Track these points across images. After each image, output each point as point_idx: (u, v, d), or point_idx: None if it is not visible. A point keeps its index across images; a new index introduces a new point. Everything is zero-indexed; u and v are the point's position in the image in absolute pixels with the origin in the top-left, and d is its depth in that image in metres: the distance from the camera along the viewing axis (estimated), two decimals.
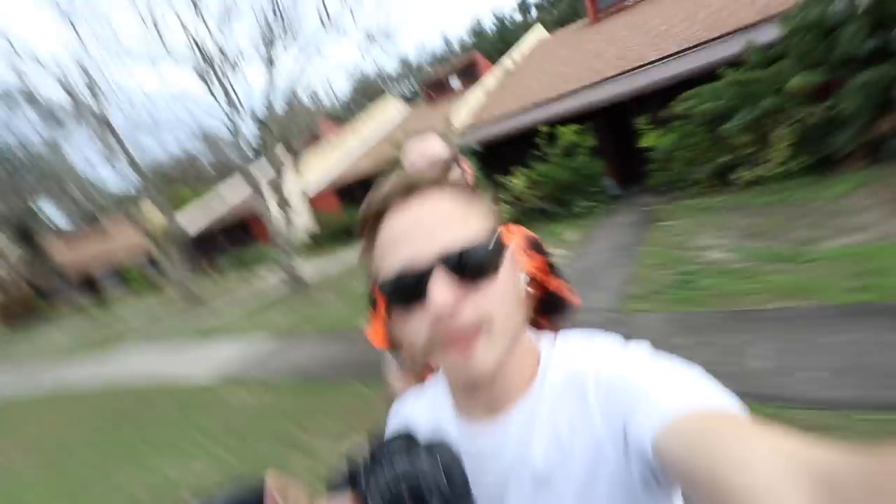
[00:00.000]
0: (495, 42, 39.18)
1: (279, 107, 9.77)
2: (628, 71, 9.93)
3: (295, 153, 10.27)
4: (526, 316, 0.52)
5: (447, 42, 46.76)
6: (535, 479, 0.48)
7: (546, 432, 0.48)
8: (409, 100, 30.91)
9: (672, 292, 4.03)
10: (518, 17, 43.67)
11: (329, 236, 16.23)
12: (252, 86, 11.14)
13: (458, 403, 0.55)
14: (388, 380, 1.16)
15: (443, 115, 13.98)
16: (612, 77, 10.16)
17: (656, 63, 9.55)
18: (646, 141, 7.97)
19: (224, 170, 16.30)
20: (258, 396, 4.60)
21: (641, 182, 9.76)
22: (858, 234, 4.04)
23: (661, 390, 0.41)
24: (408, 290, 0.45)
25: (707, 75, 7.32)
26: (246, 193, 22.10)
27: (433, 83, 16.78)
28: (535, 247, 1.19)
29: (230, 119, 9.73)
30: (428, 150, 1.14)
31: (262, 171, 10.79)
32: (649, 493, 0.43)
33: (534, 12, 42.93)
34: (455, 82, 18.09)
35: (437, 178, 0.49)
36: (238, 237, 19.78)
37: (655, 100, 9.01)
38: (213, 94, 9.27)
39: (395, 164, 10.09)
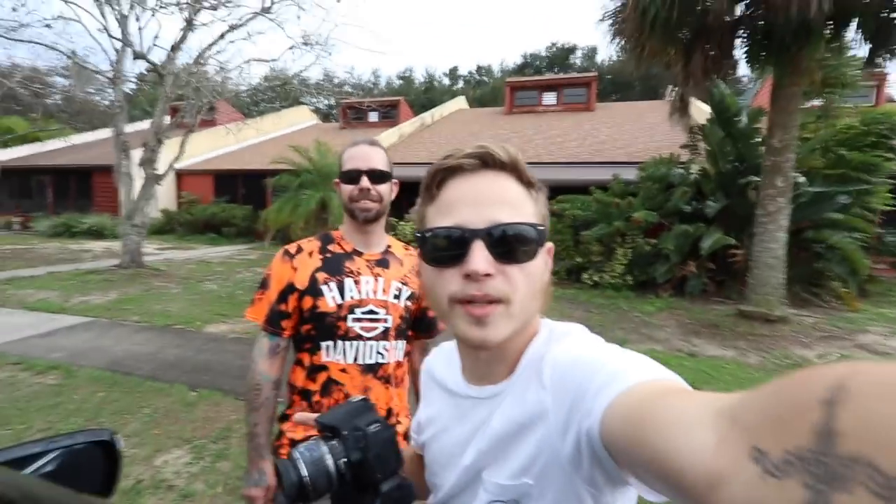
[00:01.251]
0: (419, 93, 41.24)
1: (182, 65, 8.81)
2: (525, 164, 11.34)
3: (185, 125, 9.20)
4: (542, 307, 0.57)
5: (376, 75, 47.89)
6: (491, 443, 0.55)
7: (507, 409, 0.54)
8: (324, 115, 30.31)
9: None
10: (446, 81, 46.99)
11: (190, 224, 14.41)
12: (155, 34, 9.83)
13: (463, 365, 0.64)
14: (257, 361, 1.21)
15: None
16: None
17: (548, 164, 11.12)
18: None
19: (78, 109, 13.71)
20: (46, 381, 3.76)
21: None
22: (657, 344, 5.12)
23: (608, 373, 0.43)
24: (451, 247, 0.52)
25: (581, 188, 8.76)
26: (92, 139, 18.79)
27: (352, 108, 16.88)
28: None
29: (116, 51, 8.42)
30: (372, 158, 1.20)
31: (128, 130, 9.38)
32: (580, 475, 0.46)
33: (461, 83, 46.69)
34: (373, 116, 18.42)
35: (510, 161, 0.54)
36: (69, 190, 16.40)
37: None
38: (102, 13, 7.99)
39: (292, 167, 9.67)
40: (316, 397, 1.18)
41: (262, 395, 1.19)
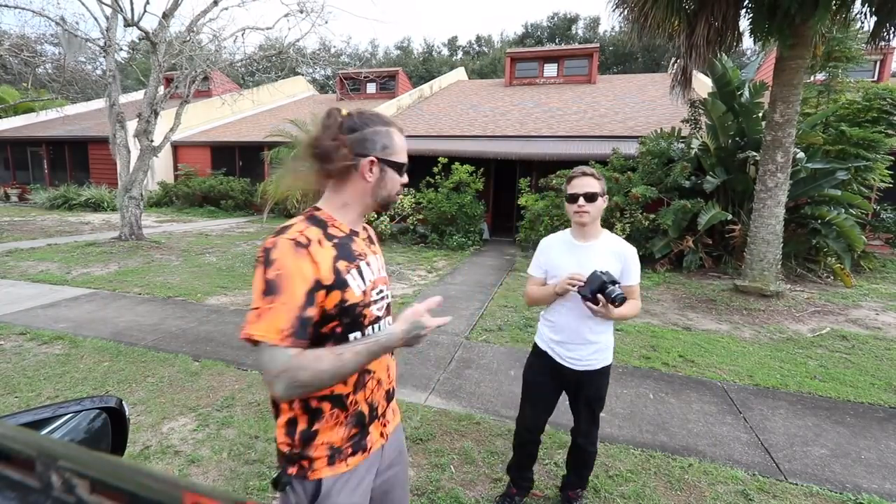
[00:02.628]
0: (418, 64, 40.23)
1: (175, 33, 8.58)
2: (524, 137, 11.20)
3: (179, 95, 9.02)
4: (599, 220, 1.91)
5: (373, 45, 46.61)
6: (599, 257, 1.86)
7: (603, 246, 1.87)
8: (320, 86, 29.65)
9: (514, 331, 4.62)
10: (445, 52, 45.79)
11: (187, 197, 14.33)
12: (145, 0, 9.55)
13: (573, 234, 1.93)
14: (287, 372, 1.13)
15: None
16: (511, 137, 11.33)
17: (547, 138, 10.98)
18: (522, 200, 9.02)
19: (69, 79, 13.31)
20: (52, 351, 3.84)
21: (510, 234, 10.90)
22: (653, 318, 5.20)
23: (635, 267, 1.90)
24: (575, 198, 1.83)
25: (581, 162, 8.67)
26: (86, 110, 18.44)
27: (349, 79, 16.52)
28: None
29: (106, 17, 8.18)
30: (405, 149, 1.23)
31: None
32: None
33: (460, 54, 45.51)
34: (371, 87, 18.06)
35: (593, 173, 1.84)
36: (65, 162, 16.22)
37: (538, 168, 10.31)
38: None
39: (290, 140, 9.57)
40: (350, 397, 1.08)
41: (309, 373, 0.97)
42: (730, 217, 7.16)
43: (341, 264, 1.04)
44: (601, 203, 1.83)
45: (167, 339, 4.13)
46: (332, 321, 1.04)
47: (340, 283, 1.03)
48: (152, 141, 8.49)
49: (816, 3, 4.92)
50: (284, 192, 7.19)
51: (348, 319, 1.05)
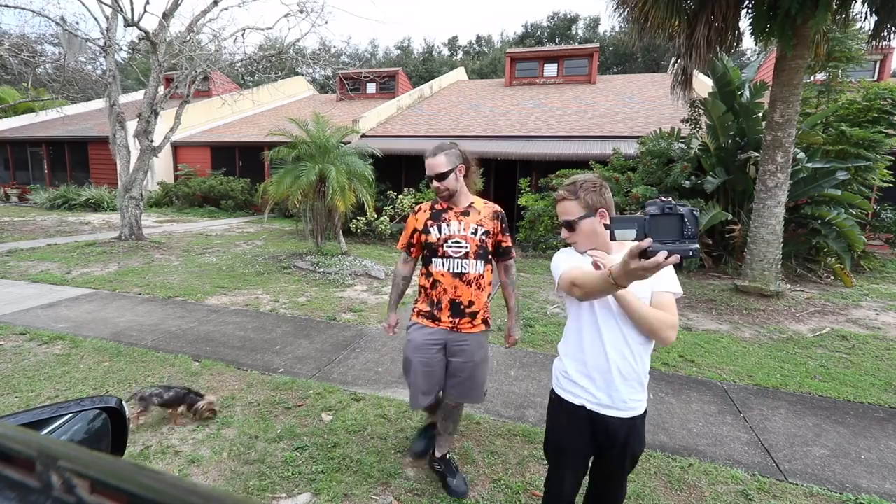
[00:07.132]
0: (418, 64, 40.22)
1: (175, 33, 8.58)
2: (524, 136, 11.20)
3: (179, 95, 9.02)
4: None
5: (373, 45, 46.60)
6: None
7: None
8: (320, 86, 29.65)
9: None
10: (445, 52, 45.78)
11: (187, 197, 14.33)
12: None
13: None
14: (398, 263, 2.33)
15: (353, 112, 13.80)
16: (511, 137, 11.33)
17: (547, 138, 10.98)
18: (522, 200, 9.01)
19: (69, 79, 13.26)
20: (52, 351, 3.84)
21: (510, 234, 10.88)
22: None
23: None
24: (559, 225, 1.56)
25: (581, 162, 8.70)
26: (86, 110, 18.45)
27: (350, 79, 16.53)
28: (498, 216, 2.20)
29: (106, 17, 8.19)
30: (436, 166, 2.08)
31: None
32: None
33: (460, 54, 45.52)
34: (371, 87, 18.06)
35: (568, 196, 1.54)
36: (65, 162, 16.21)
37: (539, 168, 10.30)
38: None
39: (290, 139, 9.58)
40: (428, 290, 2.15)
41: (397, 279, 2.32)
42: (730, 217, 7.16)
43: (429, 222, 2.14)
44: (588, 225, 1.49)
45: (167, 339, 4.13)
46: (424, 249, 2.16)
47: (426, 231, 2.14)
48: (152, 141, 8.49)
49: (816, 3, 4.92)
50: (286, 191, 7.24)
51: (430, 250, 2.12)
